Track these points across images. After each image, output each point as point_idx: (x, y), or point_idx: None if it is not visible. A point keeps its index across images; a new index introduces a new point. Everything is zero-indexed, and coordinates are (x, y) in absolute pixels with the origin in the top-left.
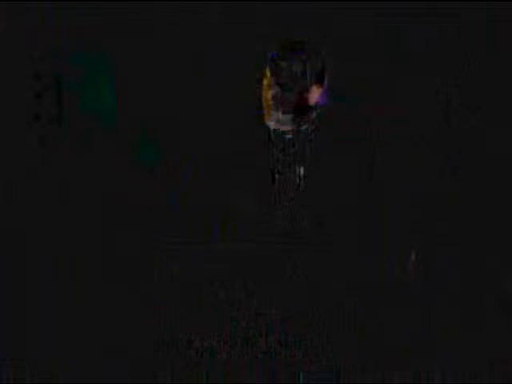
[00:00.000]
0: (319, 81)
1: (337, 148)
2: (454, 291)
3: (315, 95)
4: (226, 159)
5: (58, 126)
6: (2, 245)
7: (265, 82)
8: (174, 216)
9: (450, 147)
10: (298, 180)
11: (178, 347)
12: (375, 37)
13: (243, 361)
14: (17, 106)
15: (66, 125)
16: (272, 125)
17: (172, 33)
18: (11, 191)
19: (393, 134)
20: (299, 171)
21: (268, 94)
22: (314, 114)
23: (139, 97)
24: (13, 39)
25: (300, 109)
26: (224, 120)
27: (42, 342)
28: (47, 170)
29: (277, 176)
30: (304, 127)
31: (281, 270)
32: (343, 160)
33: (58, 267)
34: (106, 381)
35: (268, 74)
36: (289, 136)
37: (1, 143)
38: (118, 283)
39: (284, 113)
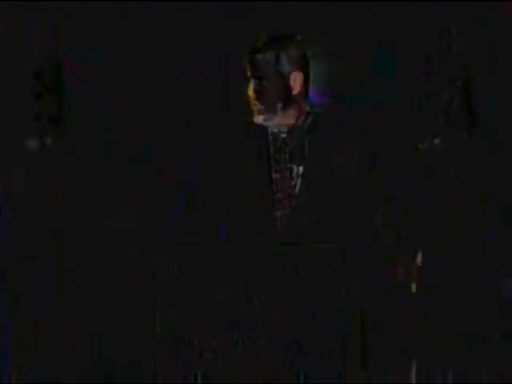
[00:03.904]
0: (301, 66)
1: (336, 147)
2: (454, 292)
3: (298, 82)
4: (225, 159)
5: (57, 126)
6: (2, 244)
7: (247, 81)
8: (175, 216)
9: (449, 146)
10: (296, 179)
11: (178, 347)
12: (375, 37)
13: (243, 361)
14: (17, 106)
15: (66, 125)
16: (260, 121)
17: (171, 33)
18: (11, 191)
19: (393, 134)
20: (297, 170)
21: (249, 90)
22: (306, 107)
23: (139, 97)
24: (13, 39)
25: (286, 98)
26: (223, 120)
27: (42, 342)
28: (47, 170)
29: (274, 176)
30: (299, 122)
31: (281, 270)
32: (342, 159)
33: (58, 267)
34: (106, 381)
35: (247, 70)
36: (283, 135)
37: (1, 143)
38: (118, 283)
39: (269, 105)
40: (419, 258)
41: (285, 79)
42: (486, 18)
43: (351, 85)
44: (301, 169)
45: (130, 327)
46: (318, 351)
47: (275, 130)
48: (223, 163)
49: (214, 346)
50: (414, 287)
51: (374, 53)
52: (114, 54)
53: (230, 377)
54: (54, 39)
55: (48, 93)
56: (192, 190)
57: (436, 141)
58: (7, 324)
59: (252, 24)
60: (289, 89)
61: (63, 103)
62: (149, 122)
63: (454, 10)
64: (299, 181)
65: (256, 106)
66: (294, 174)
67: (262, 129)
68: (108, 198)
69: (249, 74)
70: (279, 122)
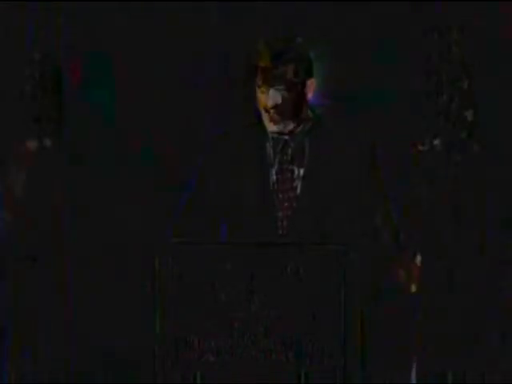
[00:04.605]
0: (311, 72)
1: (337, 148)
2: (454, 292)
3: (312, 88)
4: (226, 160)
5: (57, 127)
6: (2, 244)
7: (260, 90)
8: (175, 216)
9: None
10: (297, 181)
11: (178, 347)
12: (375, 37)
13: (243, 361)
14: (16, 106)
15: (65, 126)
16: (274, 129)
17: (172, 33)
18: (11, 192)
19: (393, 134)
20: (298, 172)
21: (268, 102)
22: (308, 112)
23: (139, 97)
24: (13, 39)
25: (301, 105)
26: (223, 120)
27: (41, 342)
28: (47, 171)
29: (275, 177)
30: (301, 124)
31: (281, 271)
32: (343, 160)
33: (58, 267)
34: (105, 380)
35: (260, 82)
36: (285, 137)
37: (0, 143)
38: (118, 283)
39: (287, 114)
40: (419, 259)
41: (302, 87)
42: (486, 17)
43: (351, 85)
44: (302, 170)
45: (130, 327)
46: (318, 351)
47: (276, 131)
48: (224, 164)
49: (214, 347)
50: (413, 287)
51: (373, 53)
52: (114, 54)
53: (230, 377)
54: (54, 39)
55: (48, 94)
56: (192, 191)
57: (436, 141)
58: (7, 324)
59: (252, 24)
60: (304, 96)
61: (63, 104)
62: (149, 122)
63: (454, 9)
64: (300, 182)
65: (272, 115)
66: (296, 175)
67: (263, 130)
68: (108, 198)
69: (261, 82)
70: (290, 127)
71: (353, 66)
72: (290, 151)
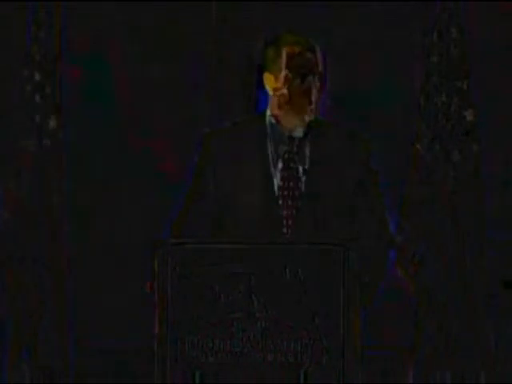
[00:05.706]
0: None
1: (339, 147)
2: (454, 292)
3: (323, 87)
4: (228, 158)
5: (58, 126)
6: (1, 244)
7: (284, 75)
8: (175, 216)
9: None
10: (301, 179)
11: (177, 347)
12: (374, 39)
13: (243, 361)
14: (16, 106)
15: (65, 125)
16: (295, 121)
17: (172, 32)
18: (10, 191)
19: (393, 134)
20: (302, 170)
21: (296, 89)
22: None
23: (139, 97)
24: (13, 39)
25: (318, 99)
26: (224, 119)
27: (41, 342)
28: (46, 171)
29: (279, 175)
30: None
31: (281, 270)
32: (345, 159)
33: (58, 267)
34: (106, 380)
35: (285, 68)
36: (287, 133)
37: (1, 144)
38: (118, 283)
39: (311, 106)
40: (418, 259)
41: (323, 80)
42: (486, 18)
43: (351, 85)
44: (306, 168)
45: (130, 327)
46: (318, 351)
47: (279, 128)
48: (225, 162)
49: (214, 347)
50: (412, 287)
51: (373, 53)
52: (114, 54)
53: (230, 377)
54: (54, 39)
55: (47, 94)
56: (192, 190)
57: (436, 141)
58: (6, 324)
59: (252, 24)
60: (323, 90)
61: (63, 103)
62: (149, 122)
63: (454, 9)
64: (304, 181)
65: (295, 103)
66: (300, 173)
67: (264, 128)
68: (108, 198)
69: (292, 75)
70: (311, 117)
71: (353, 66)
72: (293, 150)
